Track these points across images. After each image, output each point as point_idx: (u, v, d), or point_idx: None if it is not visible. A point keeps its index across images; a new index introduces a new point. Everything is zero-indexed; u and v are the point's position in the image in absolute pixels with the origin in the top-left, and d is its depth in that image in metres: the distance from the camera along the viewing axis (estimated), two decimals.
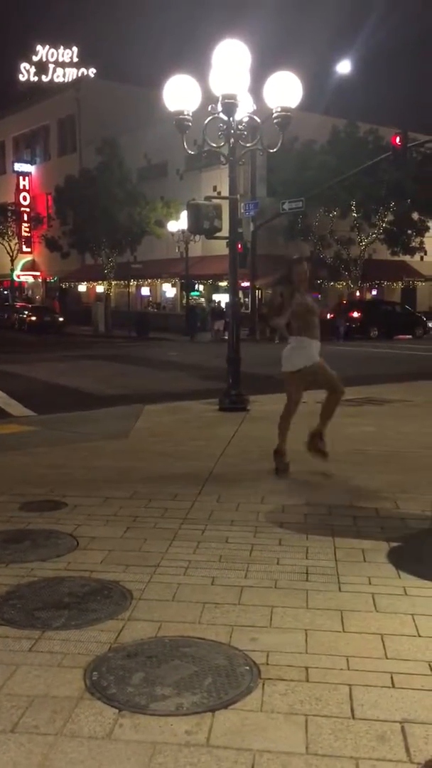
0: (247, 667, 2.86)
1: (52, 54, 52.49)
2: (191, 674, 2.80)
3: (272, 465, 6.33)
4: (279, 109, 9.29)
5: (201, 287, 38.06)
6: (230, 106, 9.07)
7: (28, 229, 49.75)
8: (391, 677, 2.79)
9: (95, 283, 43.29)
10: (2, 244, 48.40)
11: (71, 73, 51.81)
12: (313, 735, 2.42)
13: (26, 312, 39.87)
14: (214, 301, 34.59)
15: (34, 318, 38.27)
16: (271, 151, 10.16)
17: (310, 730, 2.45)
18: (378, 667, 2.87)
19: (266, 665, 2.88)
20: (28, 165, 52.05)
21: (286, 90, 9.28)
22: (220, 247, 20.24)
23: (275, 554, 4.14)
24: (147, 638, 3.11)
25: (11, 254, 49.54)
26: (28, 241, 50.15)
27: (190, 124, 9.41)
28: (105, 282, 38.52)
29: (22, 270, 52.12)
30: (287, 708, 2.59)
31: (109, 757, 2.32)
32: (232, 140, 9.41)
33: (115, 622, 3.27)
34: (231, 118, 9.23)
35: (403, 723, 2.49)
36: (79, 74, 51.34)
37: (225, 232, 10.51)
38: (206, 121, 9.42)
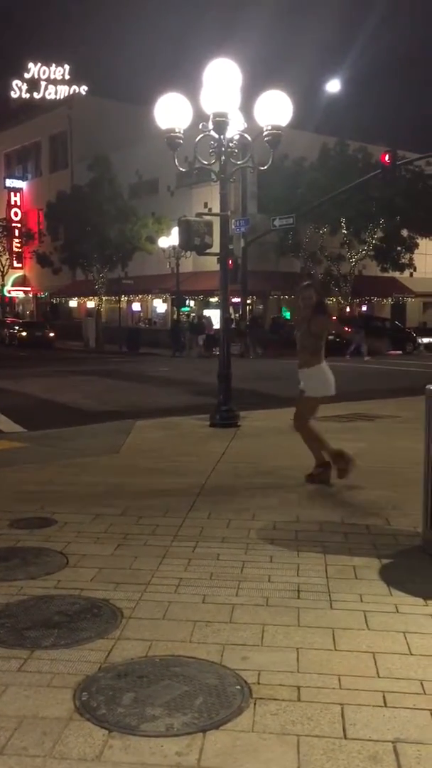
0: (239, 687, 2.84)
1: (44, 71, 52.71)
2: (182, 694, 2.77)
3: (263, 480, 6.33)
4: (269, 127, 9.38)
5: (192, 303, 38.15)
6: (221, 124, 9.14)
7: (19, 245, 49.84)
8: (384, 696, 2.78)
9: (86, 299, 43.31)
10: None
11: (63, 91, 52.02)
12: (305, 755, 2.40)
13: (17, 327, 39.80)
14: (195, 316, 34.76)
15: (24, 333, 38.19)
16: (262, 168, 10.23)
17: (302, 751, 2.43)
18: (370, 686, 2.85)
19: (258, 684, 2.86)
20: (20, 181, 52.23)
21: (276, 108, 9.37)
22: (211, 263, 20.32)
23: (266, 571, 4.13)
24: (137, 657, 3.09)
25: (2, 270, 49.58)
26: (20, 257, 50.21)
27: (182, 141, 9.47)
28: (96, 297, 38.55)
29: (12, 285, 52.12)
30: (279, 728, 2.56)
31: None
32: (222, 158, 9.47)
33: (105, 641, 3.24)
34: (222, 136, 9.30)
35: (395, 743, 2.48)
36: (71, 91, 51.54)
37: (216, 248, 10.55)
38: (197, 139, 9.48)
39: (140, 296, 40.64)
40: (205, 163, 9.71)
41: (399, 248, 35.45)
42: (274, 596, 3.76)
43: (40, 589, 3.87)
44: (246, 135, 9.90)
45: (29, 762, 2.37)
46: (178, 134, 9.43)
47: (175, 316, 35.65)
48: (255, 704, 2.72)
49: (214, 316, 33.63)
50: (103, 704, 2.71)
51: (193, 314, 35.15)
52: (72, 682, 2.88)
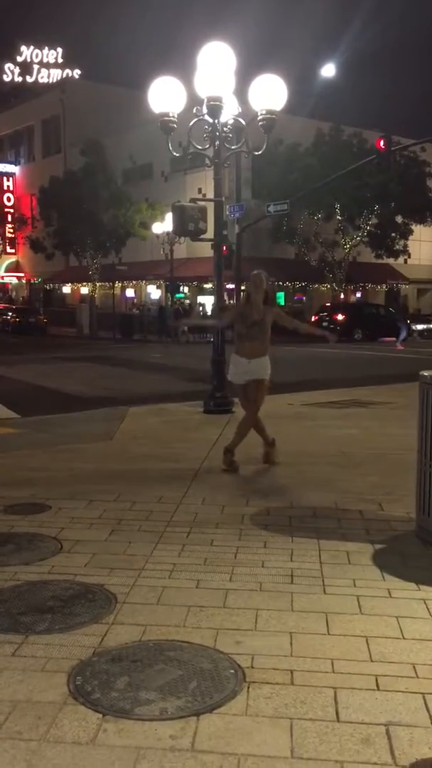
0: (232, 671, 2.85)
1: (37, 54, 52.22)
2: (176, 678, 2.78)
3: (257, 466, 6.34)
4: (264, 112, 9.31)
5: (186, 289, 38.05)
6: (215, 109, 9.07)
7: (12, 230, 49.52)
8: (376, 680, 2.79)
9: (80, 285, 43.13)
10: None
11: (56, 74, 51.58)
12: (298, 738, 2.42)
13: (10, 313, 39.62)
14: (179, 302, 34.78)
15: (18, 319, 38.03)
16: (256, 153, 10.17)
17: (295, 734, 2.44)
18: (363, 670, 2.87)
19: (251, 668, 2.88)
20: (12, 166, 51.79)
21: (271, 93, 9.29)
22: (205, 249, 20.26)
23: (260, 557, 4.14)
24: (131, 642, 3.10)
25: None
26: (12, 242, 49.91)
27: (175, 125, 9.40)
28: (89, 284, 38.39)
29: (6, 271, 51.86)
30: (272, 711, 2.58)
31: (93, 762, 2.30)
32: (217, 142, 9.41)
33: (100, 626, 3.25)
34: (216, 121, 9.23)
35: (387, 726, 2.49)
36: (64, 75, 51.12)
37: (210, 234, 10.51)
38: (191, 123, 9.42)
39: (134, 282, 40.50)
40: (199, 147, 9.65)
41: (393, 234, 35.40)
42: (268, 581, 3.77)
43: (34, 574, 3.87)
44: (240, 119, 9.83)
45: (23, 746, 2.38)
46: (172, 118, 9.35)
47: (162, 303, 35.66)
48: (249, 688, 2.73)
49: (208, 302, 33.72)
50: (97, 688, 2.72)
51: (177, 300, 35.13)
52: (66, 667, 2.89)
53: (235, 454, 6.35)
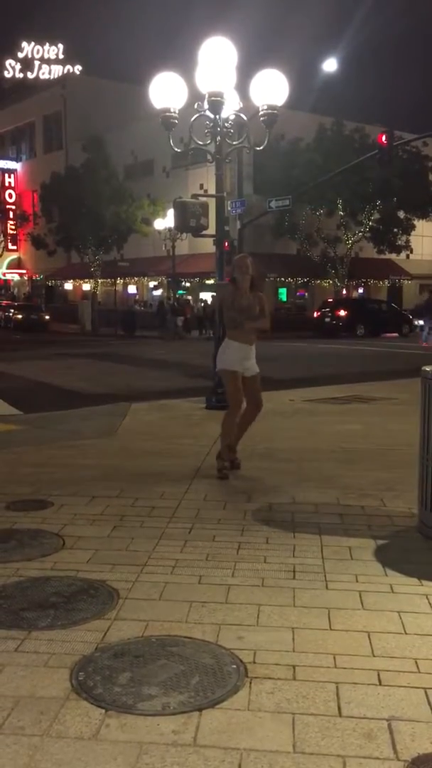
0: (234, 666, 2.86)
1: (38, 51, 52.10)
2: (178, 673, 2.79)
3: (259, 462, 6.34)
4: (265, 107, 9.28)
5: (188, 285, 38.03)
6: (217, 104, 9.04)
7: (13, 227, 49.54)
8: (378, 675, 2.80)
9: (82, 281, 43.13)
10: None
11: (57, 70, 51.46)
12: (300, 733, 2.42)
13: (12, 310, 39.63)
14: (174, 297, 34.82)
15: (20, 316, 38.04)
16: (258, 149, 10.13)
17: (297, 729, 2.45)
18: (365, 665, 2.87)
19: (253, 664, 2.88)
20: (14, 162, 51.81)
21: (272, 88, 9.26)
22: (207, 245, 20.20)
23: (262, 552, 4.14)
24: (134, 638, 3.10)
25: None
26: (14, 239, 49.95)
27: (177, 121, 9.38)
28: (91, 280, 38.39)
29: (8, 268, 51.87)
30: (274, 706, 2.59)
31: (96, 757, 2.30)
32: (218, 138, 9.38)
33: (102, 621, 3.25)
34: (217, 116, 9.20)
35: (390, 720, 2.50)
36: (65, 71, 51.00)
37: (212, 230, 10.49)
38: (193, 119, 9.39)
39: (136, 279, 40.50)
40: (201, 143, 9.63)
41: (395, 230, 35.34)
42: (270, 577, 3.78)
43: (36, 570, 3.88)
44: (242, 115, 9.80)
45: (26, 741, 2.39)
46: (173, 114, 9.33)
47: (161, 299, 35.72)
48: (251, 683, 2.74)
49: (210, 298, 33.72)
50: (99, 684, 2.73)
51: (172, 296, 35.17)
52: (69, 662, 2.89)
53: (236, 452, 6.24)
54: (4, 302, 44.44)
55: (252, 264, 6.13)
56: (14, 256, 51.50)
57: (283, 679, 2.77)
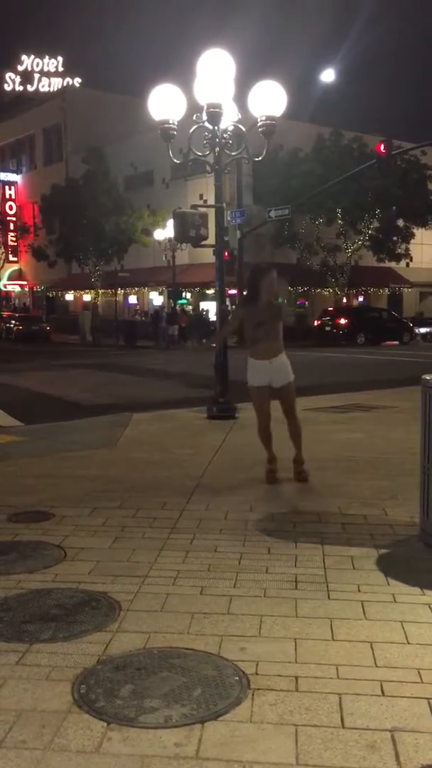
0: (237, 678, 2.85)
1: (38, 63, 52.49)
2: (180, 686, 2.78)
3: (261, 472, 6.33)
4: (264, 118, 9.34)
5: (188, 295, 38.10)
6: (215, 115, 9.10)
7: (14, 239, 49.69)
8: (381, 685, 2.79)
9: (82, 292, 43.23)
10: None
11: (57, 83, 51.82)
12: (303, 745, 2.41)
13: (13, 321, 39.71)
14: (168, 306, 35.02)
15: (21, 327, 38.10)
16: (257, 159, 10.19)
17: (300, 741, 2.44)
18: (368, 676, 2.86)
19: (256, 675, 2.87)
20: (14, 174, 52.04)
21: (270, 98, 9.33)
22: (207, 255, 20.27)
23: (264, 563, 4.13)
24: (136, 650, 3.09)
25: None
26: (15, 251, 50.08)
27: (176, 133, 9.43)
28: (92, 291, 38.48)
29: (9, 279, 52.00)
30: (277, 718, 2.57)
31: None
32: (217, 149, 9.44)
33: (104, 633, 3.24)
34: (216, 127, 9.26)
35: (393, 731, 2.49)
36: (65, 83, 51.36)
37: (211, 240, 10.53)
38: (191, 130, 9.44)
39: (136, 289, 40.58)
40: (200, 154, 9.68)
41: (395, 238, 35.43)
42: (272, 587, 3.77)
43: (38, 582, 3.87)
44: (240, 126, 9.86)
45: (28, 755, 2.38)
46: (172, 125, 9.38)
47: (156, 309, 35.90)
48: (253, 695, 2.73)
49: (211, 308, 33.82)
50: (101, 697, 2.72)
51: (165, 305, 35.38)
52: (70, 675, 2.88)
53: (304, 462, 6.20)
54: (5, 313, 44.54)
55: (277, 279, 6.05)
56: (15, 267, 51.65)
57: (286, 690, 2.76)
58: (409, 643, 3.14)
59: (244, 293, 6.61)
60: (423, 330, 35.20)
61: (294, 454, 6.22)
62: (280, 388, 6.13)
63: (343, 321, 31.91)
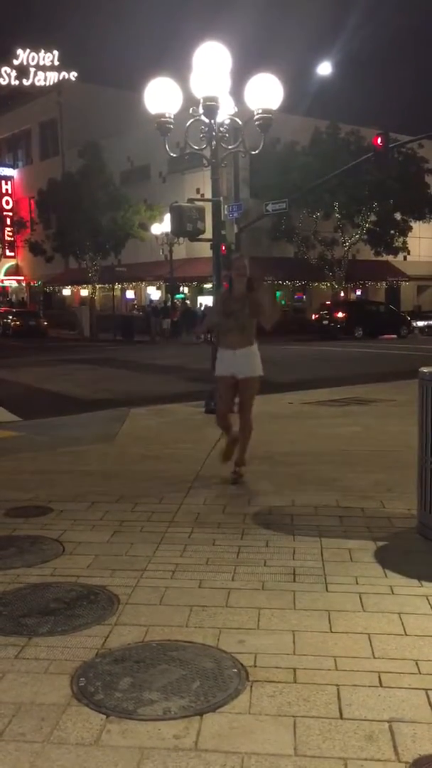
0: (235, 670, 2.86)
1: (33, 58, 52.23)
2: (179, 678, 2.79)
3: (258, 467, 6.34)
4: (260, 111, 9.30)
5: (186, 289, 38.06)
6: (211, 109, 9.07)
7: (11, 234, 49.55)
8: (379, 676, 2.80)
9: (79, 287, 43.13)
10: None
11: (52, 77, 51.58)
12: (302, 736, 2.42)
13: (10, 317, 39.65)
14: (161, 301, 35.11)
15: (18, 323, 38.05)
16: (254, 152, 10.17)
17: (298, 732, 2.45)
18: (365, 667, 2.87)
19: (254, 667, 2.88)
20: (10, 169, 51.86)
21: (267, 92, 9.29)
22: (204, 249, 20.24)
23: (262, 556, 4.14)
24: (134, 643, 3.10)
25: None
26: (12, 246, 49.94)
27: (172, 126, 9.39)
28: (89, 286, 38.41)
29: (5, 274, 51.88)
30: (275, 710, 2.58)
31: (97, 763, 2.30)
32: (214, 142, 9.41)
33: (102, 627, 3.25)
34: (212, 121, 9.22)
35: (391, 722, 2.50)
36: (61, 78, 51.12)
37: (208, 234, 10.50)
38: (188, 124, 9.41)
39: (134, 284, 40.51)
40: (196, 148, 9.65)
41: (392, 232, 35.37)
42: (270, 580, 3.78)
43: (36, 576, 3.88)
44: (237, 119, 9.83)
45: (27, 747, 2.38)
46: (168, 119, 9.35)
47: (168, 304, 35.83)
48: (252, 687, 2.74)
49: (209, 302, 33.84)
50: (100, 689, 2.72)
51: (159, 299, 35.48)
52: (69, 668, 2.89)
53: (244, 464, 6.04)
54: (2, 309, 44.47)
55: (249, 265, 6.05)
56: (12, 262, 51.51)
57: (284, 682, 2.77)
58: (406, 634, 3.15)
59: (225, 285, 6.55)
60: (420, 323, 35.19)
61: (237, 458, 6.01)
62: (241, 380, 5.98)
63: (340, 315, 31.91)
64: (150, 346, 28.90)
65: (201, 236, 10.70)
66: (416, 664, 2.90)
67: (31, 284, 50.86)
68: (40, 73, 51.91)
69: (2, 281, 52.16)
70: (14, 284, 53.01)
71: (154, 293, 40.93)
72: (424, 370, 4.43)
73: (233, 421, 6.10)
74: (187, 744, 2.39)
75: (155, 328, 31.69)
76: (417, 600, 3.51)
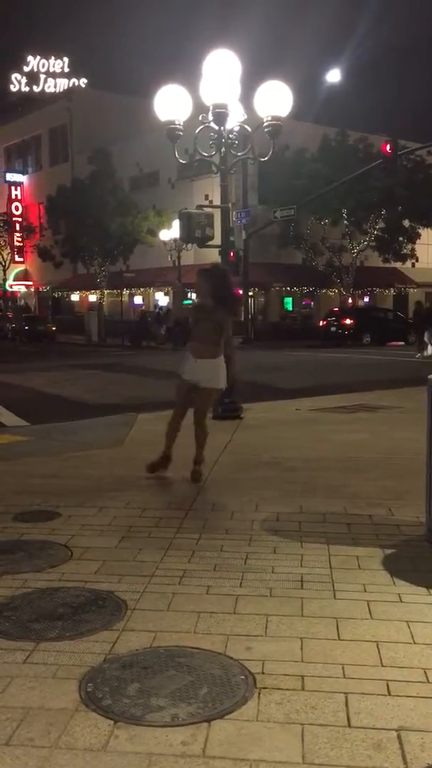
0: (243, 677, 2.85)
1: (44, 64, 52.60)
2: (187, 684, 2.78)
3: (266, 472, 6.33)
4: (269, 118, 9.34)
5: (194, 295, 38.09)
6: (221, 116, 9.11)
7: (20, 239, 49.80)
8: (387, 685, 2.79)
9: (88, 293, 43.29)
10: None
11: (63, 84, 51.91)
12: (310, 744, 2.42)
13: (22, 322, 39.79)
14: (159, 307, 35.30)
15: (27, 328, 38.19)
16: (263, 159, 10.20)
17: (306, 740, 2.44)
18: (374, 675, 2.86)
19: (262, 674, 2.87)
20: (20, 175, 52.15)
21: (276, 99, 9.34)
22: (212, 256, 20.25)
23: (270, 562, 4.14)
24: (142, 648, 3.10)
25: (4, 264, 49.55)
26: (21, 251, 50.20)
27: (181, 133, 9.45)
28: (98, 291, 38.54)
29: (14, 280, 52.10)
30: (283, 717, 2.58)
31: None
32: (223, 149, 9.45)
33: (110, 632, 3.25)
34: (222, 128, 9.26)
35: (399, 731, 2.49)
36: (71, 84, 51.44)
37: (217, 240, 10.54)
38: (197, 131, 9.46)
39: (142, 289, 40.61)
40: (206, 154, 9.69)
41: (401, 239, 35.37)
42: (278, 587, 3.77)
43: (44, 581, 3.88)
44: (246, 126, 9.87)
45: (35, 753, 2.39)
46: (177, 126, 9.40)
47: (143, 309, 36.18)
48: (259, 694, 2.73)
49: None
50: (108, 695, 2.72)
51: (158, 305, 35.64)
52: (77, 674, 2.89)
53: (202, 462, 6.23)
54: (9, 314, 44.62)
55: (227, 276, 6.34)
56: (21, 268, 51.75)
57: (292, 689, 2.76)
58: (415, 642, 3.14)
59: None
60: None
61: (194, 454, 6.22)
62: (201, 389, 6.20)
63: (348, 321, 31.89)
64: (157, 351, 28.93)
65: (210, 242, 10.73)
66: (425, 672, 2.89)
67: (40, 289, 51.07)
68: (51, 80, 52.26)
69: (11, 286, 52.36)
70: (23, 289, 53.22)
71: (162, 299, 41.01)
72: None
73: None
74: (195, 750, 2.38)
75: (140, 333, 32.07)
76: (425, 608, 3.49)
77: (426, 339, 23.70)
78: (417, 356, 22.99)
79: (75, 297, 47.41)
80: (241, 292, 29.15)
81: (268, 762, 2.32)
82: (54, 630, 3.28)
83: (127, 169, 36.63)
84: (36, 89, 52.06)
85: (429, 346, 23.60)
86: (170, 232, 31.41)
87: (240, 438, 8.24)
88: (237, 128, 9.71)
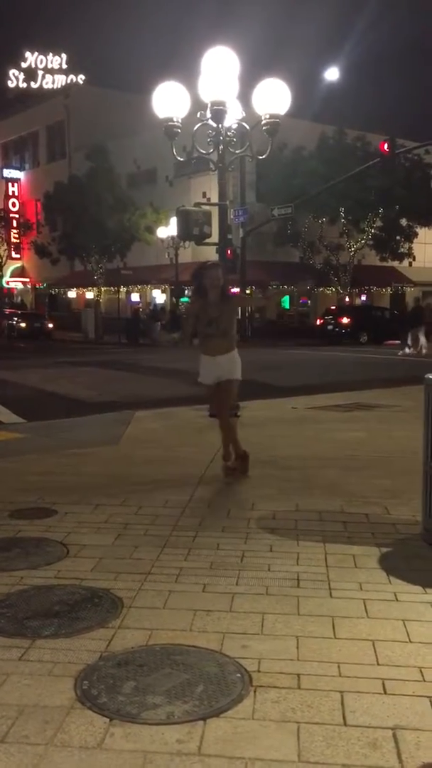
0: (239, 675, 2.85)
1: (41, 60, 52.44)
2: (182, 682, 2.78)
3: (263, 470, 6.34)
4: (268, 116, 9.34)
5: (190, 293, 38.10)
6: (219, 113, 9.10)
7: (17, 236, 49.64)
8: (383, 683, 2.79)
9: (85, 290, 43.21)
10: None
11: (60, 80, 51.76)
12: (305, 742, 2.42)
13: (16, 318, 39.73)
14: (154, 304, 35.40)
15: (23, 324, 38.13)
16: (261, 157, 10.20)
17: (302, 738, 2.44)
18: (369, 674, 2.87)
19: (258, 672, 2.87)
20: (17, 171, 51.98)
21: (274, 97, 9.33)
22: (210, 253, 20.25)
23: (266, 561, 4.14)
24: (138, 646, 3.10)
25: (0, 261, 49.44)
26: (17, 248, 50.03)
27: (179, 130, 9.44)
28: (94, 288, 38.48)
29: (11, 276, 51.99)
30: (279, 715, 2.58)
31: (100, 766, 2.30)
32: (221, 147, 9.43)
33: (106, 630, 3.25)
34: (220, 125, 9.25)
35: (395, 729, 2.49)
36: (68, 81, 51.29)
37: (215, 238, 10.53)
38: (195, 128, 9.45)
39: (139, 287, 40.56)
40: (203, 152, 9.68)
41: (398, 237, 35.39)
42: (274, 585, 3.77)
43: (40, 579, 3.88)
44: (244, 124, 9.86)
45: (31, 750, 2.38)
46: (175, 123, 9.39)
47: (136, 307, 36.27)
48: (255, 692, 2.73)
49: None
50: (104, 693, 2.72)
51: (154, 303, 35.76)
52: (73, 671, 2.89)
53: (230, 459, 6.28)
54: (9, 310, 44.52)
55: (223, 275, 6.21)
56: (17, 264, 51.60)
57: (288, 687, 2.76)
58: (411, 641, 3.14)
59: (192, 291, 6.74)
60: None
61: (224, 454, 6.32)
62: (222, 383, 6.26)
63: (345, 320, 31.89)
64: (153, 349, 28.92)
65: (207, 240, 10.72)
66: (420, 671, 2.89)
67: (37, 286, 50.97)
68: (48, 76, 52.10)
69: (8, 283, 52.26)
70: (20, 286, 53.11)
71: (160, 296, 40.98)
72: (430, 376, 4.43)
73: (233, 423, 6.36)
74: (191, 749, 2.38)
75: (132, 329, 32.12)
76: (421, 607, 3.50)
77: (409, 340, 23.95)
78: (399, 354, 23.37)
79: (72, 294, 47.30)
80: (237, 290, 29.15)
81: (263, 760, 2.32)
82: (50, 627, 3.27)
83: (125, 166, 36.55)
84: (33, 85, 51.91)
85: (407, 347, 23.89)
86: (168, 230, 31.38)
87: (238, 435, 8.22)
88: (235, 126, 9.71)
